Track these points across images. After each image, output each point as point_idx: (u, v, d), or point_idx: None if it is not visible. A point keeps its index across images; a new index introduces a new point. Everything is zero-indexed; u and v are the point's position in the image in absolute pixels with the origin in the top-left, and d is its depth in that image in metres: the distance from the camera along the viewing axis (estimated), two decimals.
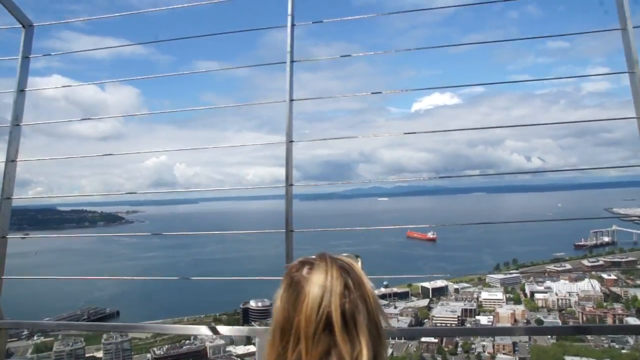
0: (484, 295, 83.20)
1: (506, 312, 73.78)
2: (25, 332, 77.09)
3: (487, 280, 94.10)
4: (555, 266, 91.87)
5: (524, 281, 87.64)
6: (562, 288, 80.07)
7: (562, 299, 76.98)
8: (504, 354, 63.50)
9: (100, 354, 68.26)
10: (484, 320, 72.10)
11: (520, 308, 75.89)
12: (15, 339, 75.69)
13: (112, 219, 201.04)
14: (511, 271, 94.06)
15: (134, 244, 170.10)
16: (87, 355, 67.90)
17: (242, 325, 79.47)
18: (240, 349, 71.89)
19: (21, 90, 2.82)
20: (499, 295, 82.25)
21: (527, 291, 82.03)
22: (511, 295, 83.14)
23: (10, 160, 2.83)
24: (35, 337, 75.87)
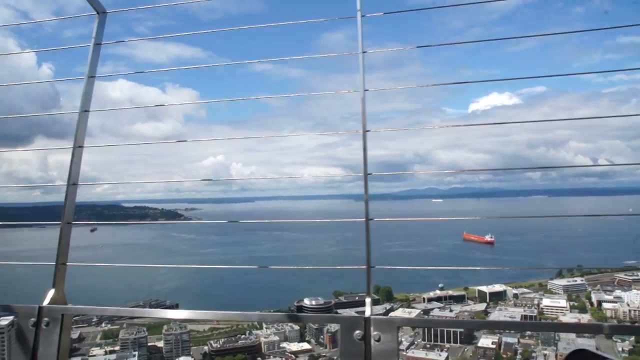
0: (546, 302, 79.57)
1: (570, 321, 70.16)
2: (95, 320, 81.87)
3: (548, 287, 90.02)
4: (626, 275, 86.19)
5: (589, 289, 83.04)
6: (634, 298, 75.19)
7: (635, 310, 72.21)
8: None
9: (161, 344, 71.23)
10: None
11: (586, 317, 71.84)
12: (86, 324, 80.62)
13: (171, 216, 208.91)
14: (575, 278, 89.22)
15: (193, 240, 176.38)
16: (149, 344, 71.05)
17: (296, 322, 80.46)
18: (294, 346, 72.88)
19: (91, 77, 2.94)
20: (562, 302, 78.31)
21: (594, 300, 77.52)
22: (575, 304, 79.01)
23: (78, 146, 2.95)
24: (103, 325, 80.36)
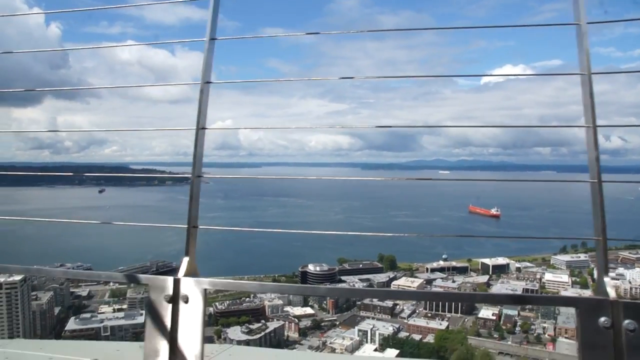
0: (548, 276, 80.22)
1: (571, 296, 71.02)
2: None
3: (551, 262, 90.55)
4: (630, 253, 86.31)
5: (592, 265, 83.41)
6: (637, 276, 75.54)
7: (636, 288, 72.66)
8: (565, 337, 61.26)
9: None
10: None
11: (587, 293, 72.44)
12: (95, 282, 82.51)
13: (179, 179, 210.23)
14: (579, 254, 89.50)
15: (200, 203, 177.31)
16: None
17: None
18: (298, 310, 74.38)
19: (212, 39, 2.75)
20: (564, 277, 78.93)
21: (596, 276, 78.09)
22: (577, 279, 79.61)
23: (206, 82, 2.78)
24: (111, 283, 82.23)
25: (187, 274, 2.61)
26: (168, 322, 2.46)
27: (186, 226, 2.74)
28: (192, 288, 2.53)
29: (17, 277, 65.06)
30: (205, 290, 2.52)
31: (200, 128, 2.83)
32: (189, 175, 2.81)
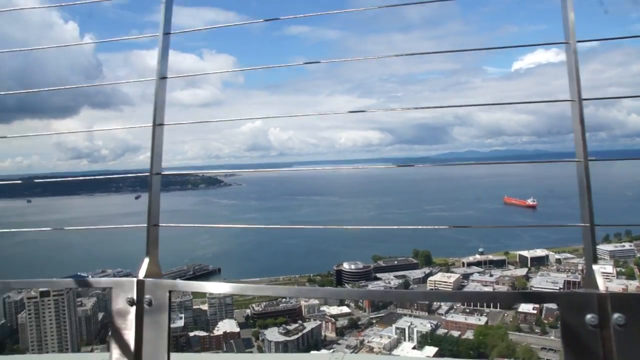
0: None
1: (617, 287, 68.17)
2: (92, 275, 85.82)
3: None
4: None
5: (639, 255, 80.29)
6: None
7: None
8: None
9: (205, 307, 74.21)
10: None
11: (634, 284, 69.77)
12: None
13: (212, 182, 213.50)
14: (623, 243, 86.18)
15: (234, 205, 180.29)
16: (194, 307, 74.12)
17: (336, 286, 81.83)
18: (334, 310, 74.42)
19: (166, 34, 2.76)
20: (608, 268, 76.06)
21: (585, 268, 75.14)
22: (623, 270, 76.71)
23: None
24: None
25: (148, 275, 2.49)
26: (132, 326, 2.37)
27: (146, 225, 2.63)
28: (155, 290, 2.41)
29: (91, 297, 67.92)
30: (170, 292, 2.41)
31: (157, 125, 2.78)
32: (147, 174, 2.76)
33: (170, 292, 2.41)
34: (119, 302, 2.40)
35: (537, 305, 66.63)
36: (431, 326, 65.51)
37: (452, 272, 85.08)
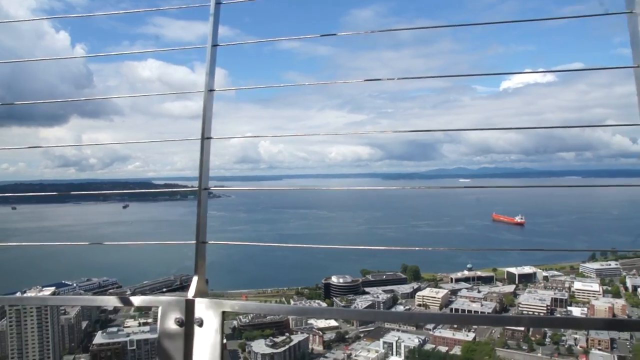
0: (577, 285, 78.04)
1: (603, 305, 68.66)
2: (128, 292, 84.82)
3: (580, 270, 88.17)
4: None
5: (624, 273, 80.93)
6: None
7: None
8: (599, 349, 59.28)
9: None
10: (576, 311, 67.74)
11: (620, 302, 70.23)
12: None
13: (196, 193, 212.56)
14: (609, 262, 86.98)
15: (222, 217, 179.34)
16: None
17: (324, 299, 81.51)
18: (322, 323, 73.88)
19: (214, 45, 2.69)
20: (595, 286, 76.62)
21: (629, 284, 75.38)
22: (609, 288, 77.25)
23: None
24: None
25: (198, 294, 2.34)
26: (181, 349, 2.20)
27: (194, 242, 2.49)
28: (207, 310, 2.26)
29: (47, 292, 66.53)
30: (223, 313, 2.26)
31: (206, 138, 2.62)
32: (195, 189, 2.64)
33: (223, 313, 2.26)
34: (167, 323, 2.26)
35: None
36: (419, 341, 65.26)
37: (440, 287, 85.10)
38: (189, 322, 2.24)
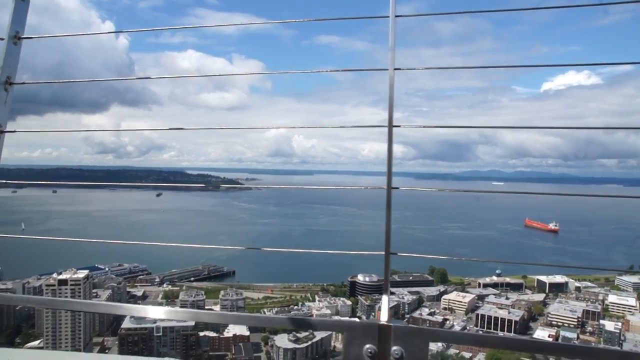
0: (612, 298, 75.37)
1: (639, 321, 66.12)
2: (157, 280, 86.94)
3: (616, 282, 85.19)
4: None
5: None
6: None
7: None
8: None
9: (217, 308, 74.56)
10: (609, 326, 65.36)
11: None
12: (150, 283, 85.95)
13: (232, 185, 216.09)
14: None
15: (253, 209, 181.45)
16: (206, 307, 74.53)
17: (349, 297, 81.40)
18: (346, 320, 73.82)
19: (397, 16, 2.23)
20: (631, 301, 73.82)
21: None
22: None
23: None
24: (164, 285, 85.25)
25: (392, 319, 1.87)
26: None
27: (382, 253, 2.04)
28: (408, 340, 1.79)
29: (81, 275, 68.88)
30: (428, 344, 1.79)
31: (393, 126, 2.12)
32: (384, 187, 2.11)
33: (428, 344, 1.82)
34: (354, 351, 1.85)
35: (553, 333, 65.05)
36: (443, 345, 64.44)
37: (467, 292, 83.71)
38: (383, 354, 1.81)
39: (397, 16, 2.15)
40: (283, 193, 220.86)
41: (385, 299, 1.97)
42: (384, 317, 1.86)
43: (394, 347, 1.77)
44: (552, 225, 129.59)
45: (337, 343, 68.87)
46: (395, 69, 2.14)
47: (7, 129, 2.33)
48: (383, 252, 2.04)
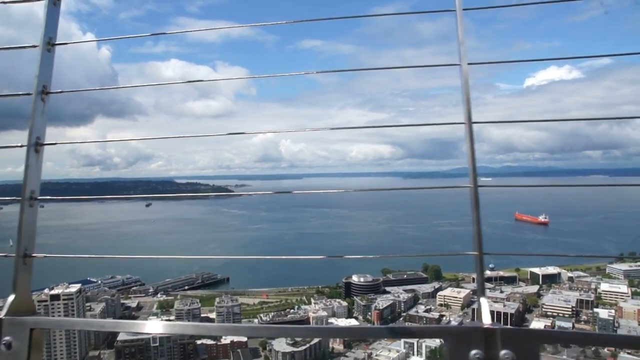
0: (604, 286, 76.28)
1: (632, 308, 66.92)
2: (151, 290, 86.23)
3: (607, 271, 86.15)
4: None
5: None
6: None
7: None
8: (628, 353, 57.64)
9: (213, 315, 74.11)
10: (603, 313, 66.10)
11: None
12: (144, 294, 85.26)
13: (222, 192, 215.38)
14: (639, 262, 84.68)
15: (243, 215, 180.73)
16: (202, 315, 74.05)
17: (344, 298, 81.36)
18: (342, 322, 73.79)
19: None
20: (623, 288, 74.78)
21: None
22: (638, 290, 75.31)
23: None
24: (159, 295, 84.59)
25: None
26: None
27: (477, 253, 2.00)
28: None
29: (73, 289, 68.11)
30: (32, 331, 1.98)
31: (473, 122, 2.13)
32: (470, 185, 2.11)
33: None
34: (459, 357, 1.78)
35: (549, 323, 65.57)
36: (440, 341, 64.64)
37: (462, 287, 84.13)
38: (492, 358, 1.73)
39: (464, 9, 2.15)
40: (273, 197, 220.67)
41: (484, 301, 1.94)
42: (486, 320, 1.83)
43: (503, 351, 1.71)
44: (542, 218, 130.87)
45: (336, 345, 68.87)
46: (469, 63, 2.16)
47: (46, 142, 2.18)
48: (477, 253, 2.00)
